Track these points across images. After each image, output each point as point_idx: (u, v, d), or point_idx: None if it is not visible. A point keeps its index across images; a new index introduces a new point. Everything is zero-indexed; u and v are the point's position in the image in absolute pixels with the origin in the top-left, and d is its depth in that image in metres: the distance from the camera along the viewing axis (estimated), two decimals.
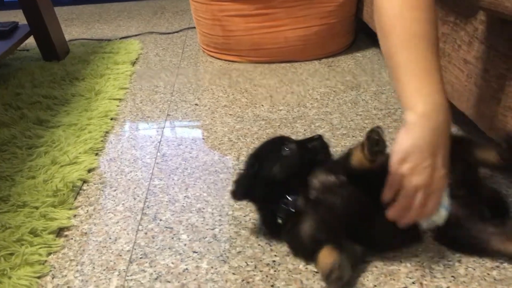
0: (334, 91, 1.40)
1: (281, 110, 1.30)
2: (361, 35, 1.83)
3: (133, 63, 1.72)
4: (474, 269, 0.72)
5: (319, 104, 1.32)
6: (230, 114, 1.29)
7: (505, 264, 0.73)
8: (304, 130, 1.18)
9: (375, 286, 0.71)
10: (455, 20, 1.00)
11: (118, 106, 1.37)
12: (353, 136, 1.14)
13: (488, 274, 0.71)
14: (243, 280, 0.73)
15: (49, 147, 1.12)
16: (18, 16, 2.51)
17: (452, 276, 0.71)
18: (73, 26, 2.32)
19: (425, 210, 0.68)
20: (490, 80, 0.87)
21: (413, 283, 0.71)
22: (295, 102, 1.35)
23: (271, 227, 0.79)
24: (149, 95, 1.46)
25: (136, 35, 2.10)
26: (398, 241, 0.77)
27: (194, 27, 2.09)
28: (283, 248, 0.79)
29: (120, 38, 2.05)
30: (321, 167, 0.76)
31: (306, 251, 0.74)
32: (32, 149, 1.12)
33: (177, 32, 2.12)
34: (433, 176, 0.67)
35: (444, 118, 0.69)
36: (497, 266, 0.73)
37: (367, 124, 1.19)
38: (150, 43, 1.97)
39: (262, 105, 1.34)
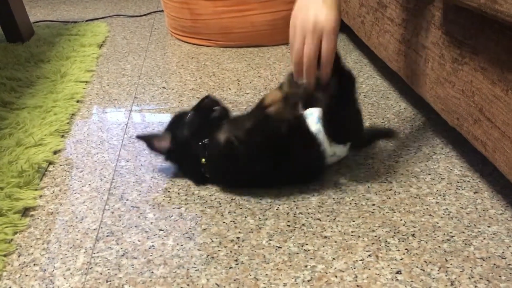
0: None
1: (247, 93, 1.32)
2: None
3: (100, 46, 1.71)
4: (426, 242, 0.77)
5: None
6: (197, 97, 1.31)
7: (455, 238, 0.78)
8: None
9: (334, 259, 0.74)
10: (415, 7, 1.04)
11: (84, 88, 1.37)
12: None
13: (439, 246, 0.76)
14: (208, 256, 0.76)
15: (13, 129, 1.11)
16: None
17: (406, 249, 0.76)
18: (38, 8, 2.27)
19: (324, 53, 0.78)
20: (445, 64, 0.91)
21: (369, 255, 0.75)
22: (262, 86, 1.37)
23: (198, 175, 0.92)
24: (116, 78, 1.45)
25: (103, 18, 2.07)
26: (303, 175, 0.92)
27: (162, 11, 2.09)
28: (247, 225, 0.82)
29: (87, 21, 2.02)
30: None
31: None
32: None
33: (145, 15, 2.11)
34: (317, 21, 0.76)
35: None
36: (448, 240, 0.77)
37: None
38: (117, 26, 1.96)
39: (229, 89, 1.36)
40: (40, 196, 0.91)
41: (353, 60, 1.54)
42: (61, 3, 2.36)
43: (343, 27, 1.56)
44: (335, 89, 0.86)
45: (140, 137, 0.96)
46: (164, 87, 1.38)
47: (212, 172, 0.91)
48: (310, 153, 0.89)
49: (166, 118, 1.19)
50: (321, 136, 0.88)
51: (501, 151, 0.75)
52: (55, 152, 1.05)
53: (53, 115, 1.18)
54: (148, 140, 0.94)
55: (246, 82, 1.39)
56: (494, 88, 0.75)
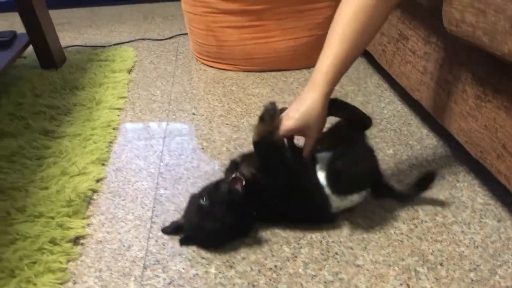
0: None
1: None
2: None
3: (129, 71, 1.78)
4: (454, 271, 0.82)
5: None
6: (227, 124, 1.37)
7: (481, 267, 0.82)
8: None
9: (367, 287, 0.79)
10: (437, 42, 1.09)
11: (118, 115, 1.44)
12: None
13: (466, 275, 0.81)
14: (248, 284, 0.82)
15: (57, 157, 1.18)
16: (8, 20, 2.54)
17: (435, 278, 0.81)
18: (65, 31, 2.36)
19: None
20: (468, 100, 0.96)
21: (401, 284, 0.80)
22: None
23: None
24: (147, 104, 1.52)
25: (129, 42, 2.15)
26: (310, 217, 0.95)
27: (185, 34, 2.17)
28: (283, 254, 0.88)
29: (114, 45, 2.10)
30: None
31: None
32: (41, 159, 1.18)
33: (169, 38, 2.18)
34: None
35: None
36: (474, 269, 0.82)
37: None
38: (143, 50, 2.03)
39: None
40: (88, 225, 0.98)
41: (373, 84, 1.59)
42: (87, 27, 2.45)
43: (365, 53, 1.62)
44: (344, 139, 0.93)
45: (165, 232, 0.96)
46: (194, 113, 1.44)
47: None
48: (315, 197, 0.91)
49: (198, 145, 1.26)
50: (324, 181, 0.90)
51: None
52: (97, 181, 1.12)
53: (92, 143, 1.25)
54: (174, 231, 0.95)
55: None
56: None
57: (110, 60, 1.86)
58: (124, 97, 1.56)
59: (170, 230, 0.94)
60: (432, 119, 1.19)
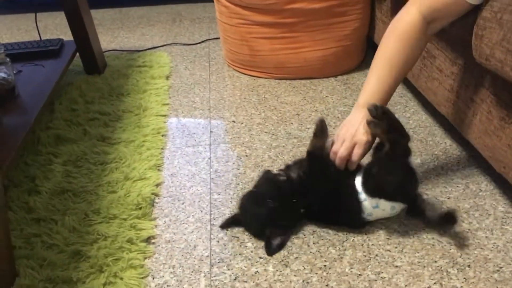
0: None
1: (309, 128, 1.51)
2: (370, 52, 2.03)
3: (167, 77, 1.91)
4: (480, 272, 0.95)
5: (341, 123, 1.53)
6: (265, 132, 1.50)
7: (504, 269, 0.96)
8: None
9: (406, 286, 0.93)
10: (464, 64, 1.21)
11: (164, 122, 1.57)
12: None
13: (491, 276, 0.94)
14: (303, 281, 0.95)
15: (117, 163, 1.32)
16: (42, 21, 2.67)
17: (464, 278, 0.94)
18: (100, 34, 2.47)
19: (353, 156, 1.04)
20: (493, 120, 1.09)
21: (435, 283, 0.93)
22: None
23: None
24: (189, 111, 1.65)
25: (162, 46, 2.27)
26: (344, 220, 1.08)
27: (215, 39, 2.30)
28: (330, 255, 1.01)
29: (149, 49, 2.23)
30: None
31: None
32: (103, 165, 1.31)
33: (199, 43, 2.30)
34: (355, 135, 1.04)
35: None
36: (497, 270, 0.95)
37: None
38: (177, 55, 2.16)
39: (292, 123, 1.55)
40: (156, 226, 1.11)
41: (398, 94, 1.71)
42: (119, 29, 2.57)
43: None
44: (382, 152, 1.05)
45: (223, 227, 1.11)
46: (233, 121, 1.57)
47: None
48: (350, 202, 1.04)
49: (242, 152, 1.39)
50: (359, 188, 1.03)
51: None
52: (157, 185, 1.25)
53: (146, 150, 1.38)
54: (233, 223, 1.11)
55: (305, 117, 1.58)
56: None
57: (148, 66, 1.98)
58: (167, 104, 1.69)
59: (226, 224, 1.11)
60: (455, 131, 1.31)
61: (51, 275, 0.94)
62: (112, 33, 2.52)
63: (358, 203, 1.03)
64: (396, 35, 1.07)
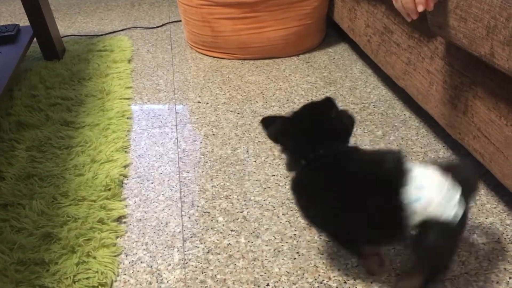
0: (315, 87, 1.64)
1: (273, 106, 1.54)
2: (330, 31, 2.07)
3: (129, 61, 1.89)
4: None
5: (305, 100, 1.56)
6: (231, 111, 1.52)
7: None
8: None
9: None
10: (420, 37, 1.26)
11: (129, 105, 1.56)
12: None
13: None
14: (275, 250, 0.98)
15: (83, 147, 1.31)
16: None
17: None
18: (56, 20, 2.42)
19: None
20: (448, 89, 1.14)
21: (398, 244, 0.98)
22: (284, 98, 1.58)
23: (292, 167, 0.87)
24: (153, 93, 1.65)
25: (122, 30, 2.24)
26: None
27: (176, 22, 2.29)
28: (300, 224, 1.05)
29: (108, 33, 2.19)
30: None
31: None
32: (69, 149, 1.30)
33: (160, 26, 2.28)
34: None
35: None
36: None
37: None
38: (138, 39, 2.13)
39: (257, 101, 1.57)
40: (126, 206, 1.12)
41: (358, 70, 1.76)
42: (76, 14, 2.51)
43: (347, 39, 1.77)
44: None
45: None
46: (199, 101, 1.58)
47: None
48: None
49: (208, 132, 1.40)
50: None
51: (496, 162, 0.99)
52: (125, 167, 1.25)
53: (112, 132, 1.37)
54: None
55: (269, 95, 1.61)
56: (490, 113, 0.99)
57: (109, 50, 1.96)
58: (130, 87, 1.68)
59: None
60: (413, 103, 1.36)
61: (22, 258, 0.94)
62: (70, 18, 2.46)
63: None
64: None
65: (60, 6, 2.66)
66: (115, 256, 0.97)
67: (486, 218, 1.04)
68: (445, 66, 1.14)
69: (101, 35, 2.18)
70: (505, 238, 0.98)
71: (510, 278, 0.90)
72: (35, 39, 1.82)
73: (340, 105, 1.49)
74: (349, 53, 1.91)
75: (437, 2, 0.98)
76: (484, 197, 1.10)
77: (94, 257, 0.95)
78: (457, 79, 1.10)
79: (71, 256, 0.95)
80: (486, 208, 1.07)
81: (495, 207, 1.07)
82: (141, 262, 0.97)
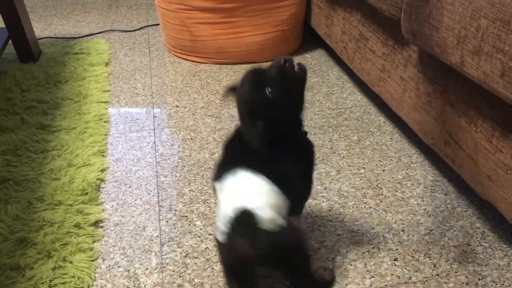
0: None
1: None
2: (307, 37, 2.10)
3: (107, 64, 1.88)
4: (413, 235, 1.03)
5: None
6: (209, 115, 1.52)
7: (434, 231, 1.04)
8: None
9: (347, 252, 0.99)
10: (394, 45, 1.29)
11: (106, 109, 1.55)
12: (314, 134, 1.41)
13: (423, 238, 1.03)
14: None
15: (59, 150, 1.30)
16: None
17: (399, 241, 1.02)
18: (32, 22, 2.38)
19: None
20: (421, 96, 1.17)
21: (373, 248, 1.00)
22: None
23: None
24: (131, 97, 1.64)
25: (99, 33, 2.23)
26: None
27: (154, 25, 2.29)
28: None
29: (85, 36, 2.18)
30: None
31: None
32: (45, 152, 1.29)
33: (138, 29, 2.27)
34: None
35: None
36: (428, 233, 1.04)
37: (324, 123, 1.47)
38: (115, 42, 2.12)
39: (235, 106, 1.57)
40: (103, 210, 1.12)
41: (335, 76, 1.79)
42: (52, 16, 2.48)
43: (324, 45, 1.80)
44: None
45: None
46: (177, 106, 1.58)
47: None
48: None
49: (187, 136, 1.41)
50: None
51: (466, 167, 1.02)
52: (102, 171, 1.24)
53: (89, 136, 1.37)
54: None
55: None
56: (460, 120, 1.02)
57: (86, 53, 1.94)
58: (108, 91, 1.67)
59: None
60: (388, 109, 1.39)
61: None
62: (46, 20, 2.43)
63: None
64: None
65: (36, 8, 2.63)
66: (92, 260, 0.97)
67: (457, 221, 1.07)
68: (418, 74, 1.18)
69: (78, 37, 2.16)
70: (474, 241, 1.01)
71: (479, 279, 0.93)
72: (10, 41, 1.79)
73: (317, 110, 1.52)
74: (326, 59, 1.94)
75: (411, 10, 1.01)
76: (455, 201, 1.13)
77: (71, 262, 0.95)
78: (429, 86, 1.13)
79: (47, 261, 0.95)
80: (457, 212, 1.10)
81: (465, 211, 1.10)
82: (118, 266, 0.97)
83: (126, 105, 1.59)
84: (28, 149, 1.30)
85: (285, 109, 0.81)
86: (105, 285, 0.93)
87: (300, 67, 0.82)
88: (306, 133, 0.89)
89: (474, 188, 1.03)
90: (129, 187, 1.20)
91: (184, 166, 1.27)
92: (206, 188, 1.19)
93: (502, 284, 0.92)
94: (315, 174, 1.11)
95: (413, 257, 0.98)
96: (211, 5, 1.76)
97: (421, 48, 1.05)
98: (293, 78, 0.81)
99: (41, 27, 2.32)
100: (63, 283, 0.91)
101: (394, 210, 1.11)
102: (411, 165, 1.27)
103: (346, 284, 0.92)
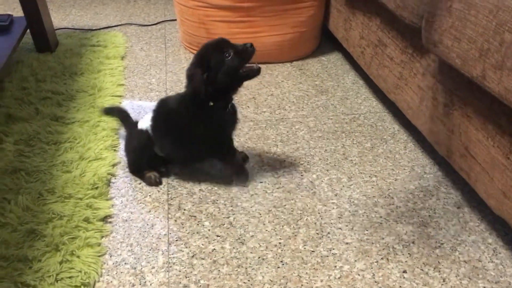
0: (307, 95, 1.65)
1: (264, 112, 1.54)
2: (324, 39, 2.08)
3: (122, 58, 1.88)
4: (423, 248, 1.02)
5: (296, 107, 1.57)
6: None
7: (444, 245, 1.03)
8: (287, 132, 1.43)
9: (355, 261, 0.98)
10: (413, 53, 1.27)
11: (120, 103, 1.55)
12: (327, 139, 1.40)
13: (433, 251, 1.01)
14: (259, 258, 0.99)
15: (72, 143, 1.30)
16: None
17: (409, 253, 1.00)
18: (50, 12, 2.39)
19: None
20: (438, 106, 1.15)
21: (382, 258, 0.99)
22: (276, 104, 1.59)
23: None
24: (145, 92, 1.64)
25: (116, 26, 2.23)
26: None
27: (171, 20, 2.28)
28: (285, 233, 1.05)
29: (102, 28, 2.18)
30: None
31: None
32: (57, 144, 1.29)
33: (155, 24, 2.27)
34: None
35: None
36: (439, 246, 1.02)
37: (337, 128, 1.45)
38: (132, 36, 2.12)
39: (248, 107, 1.57)
40: (112, 205, 1.12)
41: (350, 81, 1.77)
42: (71, 7, 2.49)
43: (341, 48, 1.79)
44: None
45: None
46: None
47: None
48: None
49: None
50: None
51: (481, 182, 1.01)
52: (113, 165, 1.24)
53: (102, 130, 1.37)
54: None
55: (261, 100, 1.61)
56: (478, 133, 1.00)
57: (102, 46, 1.95)
58: (122, 85, 1.67)
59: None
60: (403, 117, 1.38)
61: (5, 254, 0.93)
62: (64, 10, 2.44)
63: None
64: None
65: None
66: (99, 256, 0.97)
67: (469, 236, 1.05)
68: (436, 84, 1.16)
69: (95, 29, 2.17)
70: (486, 257, 1.00)
71: None
72: (28, 31, 1.80)
73: (331, 115, 1.51)
74: (342, 62, 1.92)
75: (433, 20, 0.99)
76: (467, 215, 1.12)
77: (78, 256, 0.95)
78: (447, 97, 1.11)
79: (55, 254, 0.95)
80: (469, 226, 1.08)
81: (477, 225, 1.09)
82: (125, 263, 0.97)
83: (140, 100, 1.59)
84: (41, 140, 1.30)
85: (229, 73, 1.07)
86: (111, 282, 0.93)
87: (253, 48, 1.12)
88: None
89: (488, 203, 1.01)
90: (139, 183, 1.20)
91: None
92: (215, 188, 1.18)
93: None
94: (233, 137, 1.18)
95: (423, 270, 0.96)
96: (229, 4, 1.75)
97: (441, 59, 1.03)
98: (248, 55, 1.10)
99: (59, 18, 2.33)
100: (70, 277, 0.91)
101: (405, 221, 1.10)
102: (424, 175, 1.25)
103: None
